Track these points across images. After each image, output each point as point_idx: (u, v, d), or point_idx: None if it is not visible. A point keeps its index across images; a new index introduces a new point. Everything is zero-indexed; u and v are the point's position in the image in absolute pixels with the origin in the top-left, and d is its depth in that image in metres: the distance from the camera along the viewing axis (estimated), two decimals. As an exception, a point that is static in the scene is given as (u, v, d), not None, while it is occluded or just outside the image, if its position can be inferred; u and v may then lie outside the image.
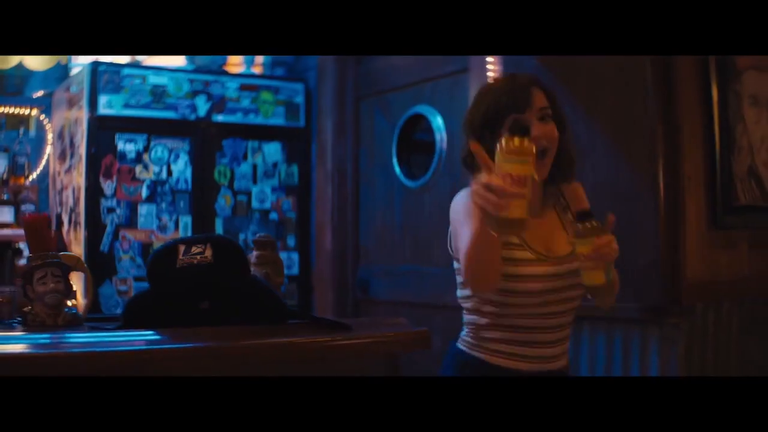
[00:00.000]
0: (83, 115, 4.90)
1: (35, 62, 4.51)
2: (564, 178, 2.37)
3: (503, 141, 1.84)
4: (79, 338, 2.09)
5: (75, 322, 2.29)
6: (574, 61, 3.65)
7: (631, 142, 3.64)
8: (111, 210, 4.91)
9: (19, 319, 2.30)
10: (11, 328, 2.30)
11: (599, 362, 3.67)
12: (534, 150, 1.86)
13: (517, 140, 1.83)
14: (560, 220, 2.41)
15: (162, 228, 5.03)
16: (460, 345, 2.44)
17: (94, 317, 2.51)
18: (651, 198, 3.56)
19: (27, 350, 1.91)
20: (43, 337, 2.09)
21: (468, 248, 2.15)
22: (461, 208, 2.31)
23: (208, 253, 2.05)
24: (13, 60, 4.52)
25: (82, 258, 4.49)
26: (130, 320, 2.13)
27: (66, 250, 2.54)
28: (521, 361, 2.32)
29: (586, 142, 3.60)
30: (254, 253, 2.50)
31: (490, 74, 4.24)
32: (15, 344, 2.00)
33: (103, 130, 4.90)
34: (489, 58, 4.21)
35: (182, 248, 2.08)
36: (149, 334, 2.11)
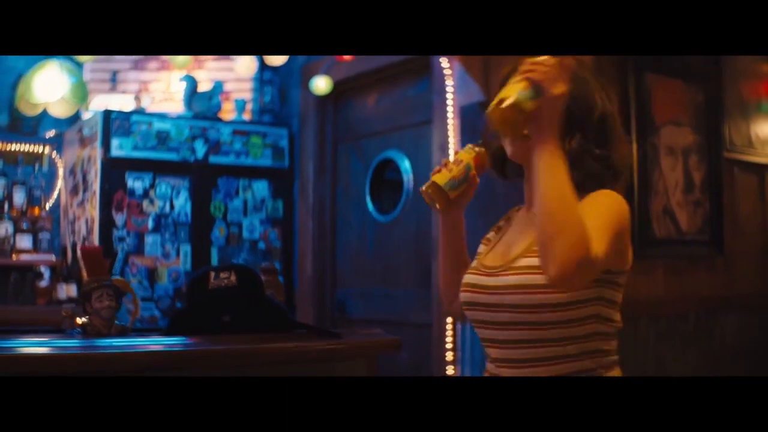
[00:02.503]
0: (97, 155, 5.11)
1: (58, 110, 4.81)
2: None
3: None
4: (131, 342, 2.49)
5: (124, 332, 2.73)
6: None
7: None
8: (122, 239, 5.09)
9: (78, 330, 2.75)
10: (73, 336, 2.74)
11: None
12: (483, 157, 2.01)
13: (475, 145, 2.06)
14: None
15: (165, 255, 5.21)
16: None
17: (138, 328, 2.95)
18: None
19: (92, 351, 2.34)
20: (101, 342, 2.53)
21: None
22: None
23: (233, 278, 2.50)
24: (40, 107, 4.82)
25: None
26: (171, 329, 2.60)
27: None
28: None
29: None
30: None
31: (449, 126, 4.39)
32: (81, 346, 2.44)
33: (114, 169, 5.10)
34: (449, 113, 4.39)
35: (212, 274, 2.53)
36: (183, 340, 2.53)
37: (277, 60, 4.79)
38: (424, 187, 2.01)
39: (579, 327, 1.80)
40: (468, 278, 1.95)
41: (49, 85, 4.66)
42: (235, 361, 2.36)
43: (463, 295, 1.95)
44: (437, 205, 2.03)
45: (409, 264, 4.95)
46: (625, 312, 4.09)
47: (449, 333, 4.28)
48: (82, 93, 4.80)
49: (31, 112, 4.90)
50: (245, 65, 5.09)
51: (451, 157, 2.06)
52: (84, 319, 2.68)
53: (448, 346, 4.27)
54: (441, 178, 1.99)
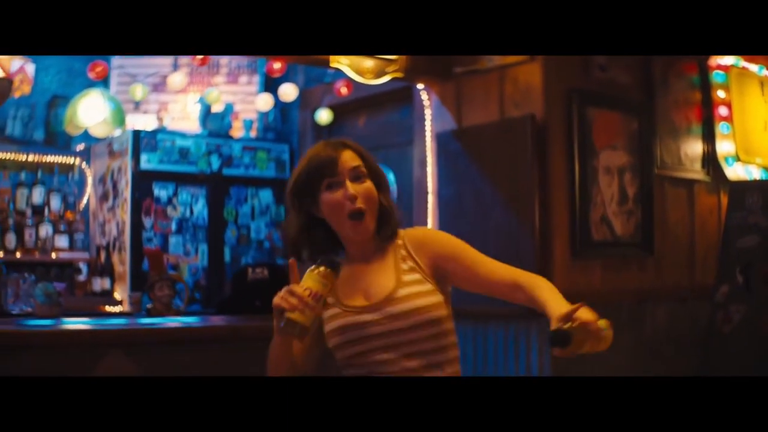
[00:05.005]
0: (127, 167, 5.62)
1: (99, 131, 5.38)
2: (388, 234, 2.12)
3: (314, 265, 1.95)
4: (184, 320, 3.16)
5: (179, 314, 3.44)
6: (479, 138, 4.32)
7: (517, 200, 4.18)
8: (149, 240, 5.59)
9: (144, 312, 3.44)
10: (143, 316, 3.42)
11: (491, 355, 4.28)
12: (334, 279, 1.93)
13: (324, 268, 1.92)
14: (394, 268, 2.12)
15: (186, 253, 5.71)
16: None
17: (190, 311, 3.58)
18: (530, 238, 4.13)
19: (160, 326, 3.02)
20: (164, 320, 3.21)
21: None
22: None
23: (266, 272, 3.18)
24: (82, 128, 5.35)
25: (128, 275, 5.54)
26: (218, 312, 3.30)
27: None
28: None
29: (490, 199, 4.28)
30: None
31: (428, 147, 4.89)
32: (153, 323, 3.12)
33: (143, 180, 5.64)
34: (428, 136, 4.89)
35: (250, 270, 3.23)
36: (226, 318, 3.24)
37: (289, 96, 5.46)
38: (285, 326, 1.92)
39: (445, 337, 2.11)
40: (346, 319, 2.07)
41: (92, 110, 5.23)
42: (260, 335, 2.90)
43: (345, 335, 2.07)
44: (299, 338, 1.96)
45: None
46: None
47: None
48: (120, 117, 5.38)
49: (76, 132, 5.45)
50: (264, 101, 5.74)
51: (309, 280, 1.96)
52: (149, 305, 3.40)
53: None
54: (304, 318, 1.91)
